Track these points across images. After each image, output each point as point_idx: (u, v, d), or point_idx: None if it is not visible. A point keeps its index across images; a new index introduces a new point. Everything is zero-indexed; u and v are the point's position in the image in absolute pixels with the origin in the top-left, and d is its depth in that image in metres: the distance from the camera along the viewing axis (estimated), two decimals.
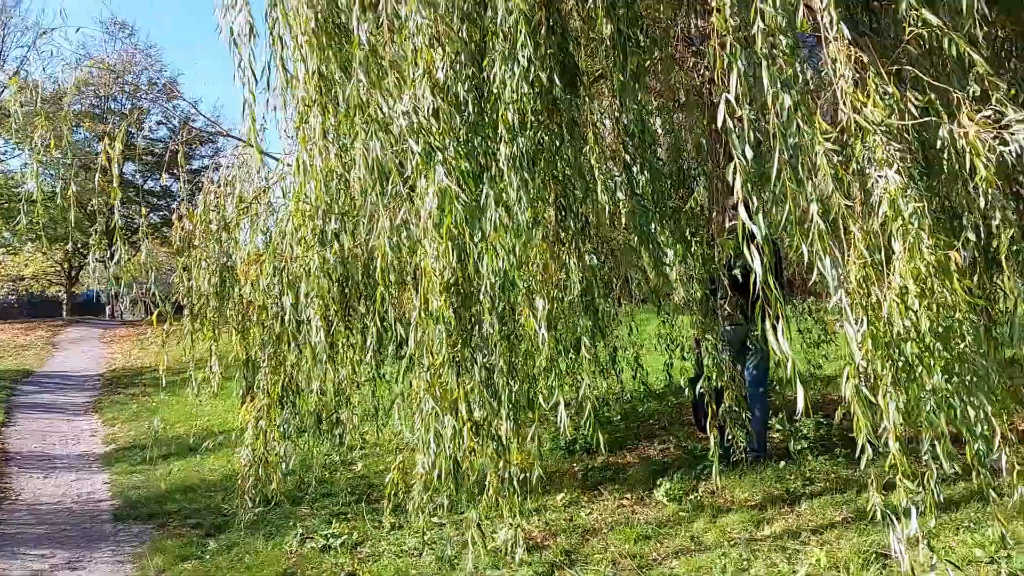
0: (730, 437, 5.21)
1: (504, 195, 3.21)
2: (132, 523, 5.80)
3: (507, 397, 3.45)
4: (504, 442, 3.47)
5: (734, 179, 2.48)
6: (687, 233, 4.78)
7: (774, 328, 2.61)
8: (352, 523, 5.37)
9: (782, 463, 5.57)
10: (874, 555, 4.11)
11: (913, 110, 2.93)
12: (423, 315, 3.28)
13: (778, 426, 6.35)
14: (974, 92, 2.90)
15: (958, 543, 4.13)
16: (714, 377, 4.84)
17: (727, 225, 5.34)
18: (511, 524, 3.72)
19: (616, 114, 4.60)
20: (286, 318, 4.80)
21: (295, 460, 5.43)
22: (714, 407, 4.62)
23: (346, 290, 4.81)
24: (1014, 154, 2.42)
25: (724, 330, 5.04)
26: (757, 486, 5.26)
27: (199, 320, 6.07)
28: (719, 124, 2.51)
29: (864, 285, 2.53)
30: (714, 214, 5.39)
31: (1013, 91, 2.84)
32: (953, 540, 4.19)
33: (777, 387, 6.89)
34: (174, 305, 6.25)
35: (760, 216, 2.46)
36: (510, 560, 4.39)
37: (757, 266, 2.50)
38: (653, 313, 7.25)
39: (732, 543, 4.48)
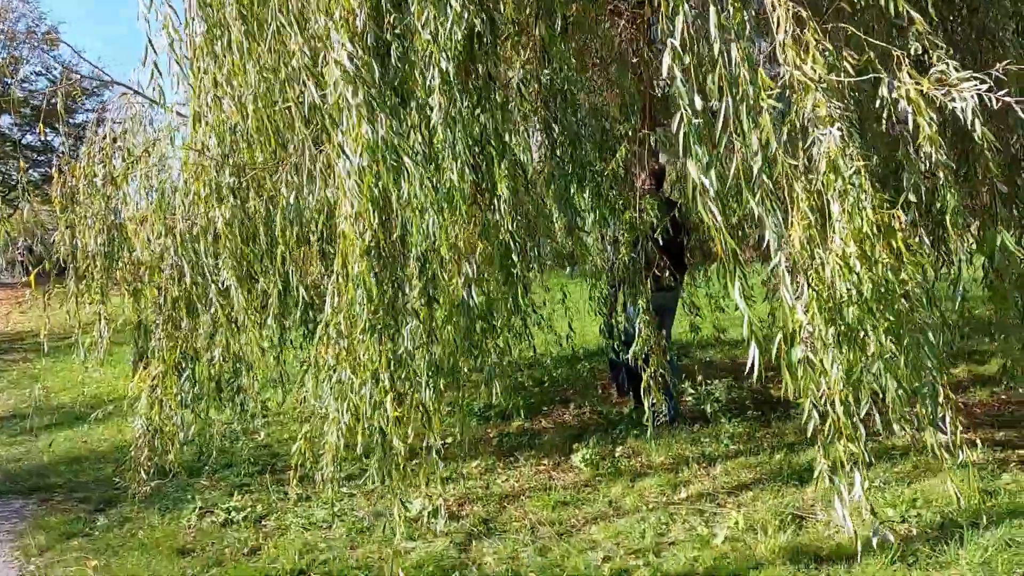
0: (653, 401, 5.18)
1: (431, 152, 3.00)
2: (11, 498, 5.36)
3: (426, 364, 3.26)
4: (428, 410, 3.29)
5: (678, 131, 2.34)
6: (609, 197, 4.66)
7: (742, 283, 2.50)
8: (255, 495, 5.10)
9: (696, 426, 5.59)
10: (790, 516, 4.15)
11: (849, 68, 2.85)
12: (341, 280, 3.04)
13: (691, 389, 6.38)
14: (916, 50, 2.84)
15: (852, 511, 4.18)
16: (640, 342, 4.77)
17: (647, 188, 5.24)
18: (431, 494, 3.55)
19: (537, 71, 4.40)
20: (183, 280, 4.45)
21: (194, 429, 5.11)
22: (649, 371, 4.55)
23: (249, 251, 4.48)
24: (962, 111, 2.36)
25: (651, 294, 4.97)
26: (672, 449, 5.25)
27: (85, 282, 5.61)
28: (664, 73, 2.36)
29: (807, 247, 2.45)
30: (638, 179, 5.29)
31: (950, 51, 2.78)
32: (848, 507, 4.25)
33: (687, 351, 6.93)
34: (55, 265, 5.75)
35: (712, 172, 2.33)
36: (427, 531, 4.23)
37: (717, 221, 2.37)
38: (568, 278, 7.17)
39: (650, 507, 4.45)
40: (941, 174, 2.62)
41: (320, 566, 4.08)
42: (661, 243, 5.11)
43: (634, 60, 5.31)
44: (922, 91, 2.48)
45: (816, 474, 2.90)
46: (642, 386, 4.70)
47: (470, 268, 3.15)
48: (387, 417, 3.10)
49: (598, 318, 7.15)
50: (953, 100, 2.38)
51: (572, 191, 5.08)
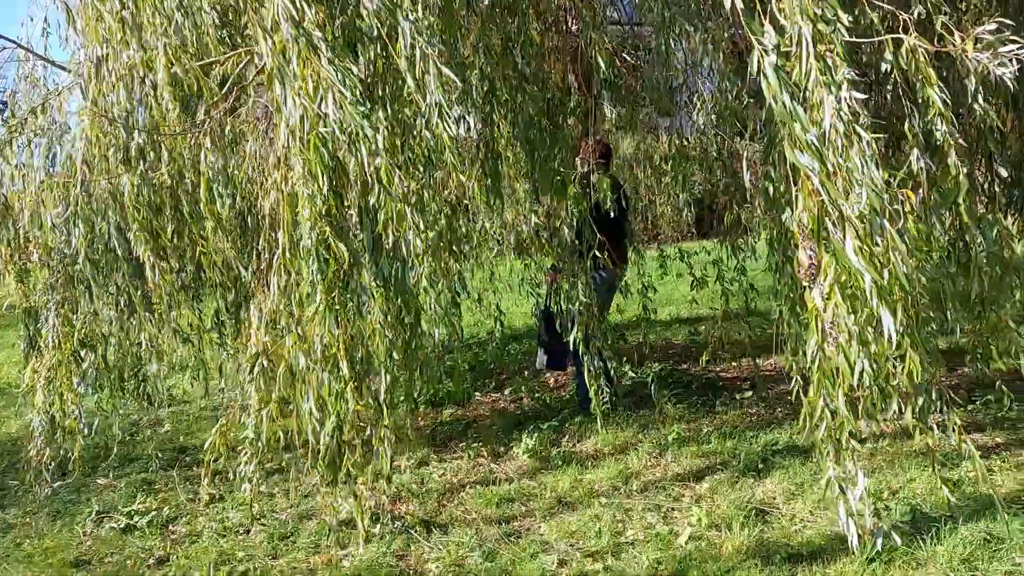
0: (587, 386, 4.87)
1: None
2: None
3: (384, 348, 2.84)
4: (380, 401, 2.89)
5: (758, 73, 1.98)
6: (558, 172, 4.27)
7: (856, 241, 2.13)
8: (162, 495, 4.56)
9: (642, 411, 5.30)
10: (754, 511, 3.89)
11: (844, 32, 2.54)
12: (288, 255, 2.57)
13: (630, 373, 6.11)
14: (920, 14, 2.55)
15: (816, 505, 3.97)
16: (581, 322, 4.45)
17: (596, 162, 4.89)
18: (380, 491, 3.13)
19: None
20: (80, 258, 3.86)
21: (97, 423, 4.53)
22: (591, 354, 4.23)
23: (157, 224, 3.92)
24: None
25: (594, 274, 4.64)
26: (619, 437, 4.95)
27: None
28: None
29: (817, 224, 2.12)
30: (585, 152, 4.93)
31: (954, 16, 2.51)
32: (810, 499, 4.03)
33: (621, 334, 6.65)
34: None
35: (800, 109, 1.96)
36: (360, 535, 3.81)
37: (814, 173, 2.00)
38: (507, 256, 6.78)
39: (602, 502, 4.13)
40: (953, 151, 2.35)
41: None
42: (608, 222, 4.79)
43: (574, 27, 4.93)
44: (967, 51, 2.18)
45: (824, 482, 2.59)
46: (585, 371, 4.40)
47: (420, 240, 2.73)
48: (347, 408, 2.69)
49: (529, 299, 6.82)
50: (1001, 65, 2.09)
51: (510, 163, 4.72)
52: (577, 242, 4.38)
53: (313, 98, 2.36)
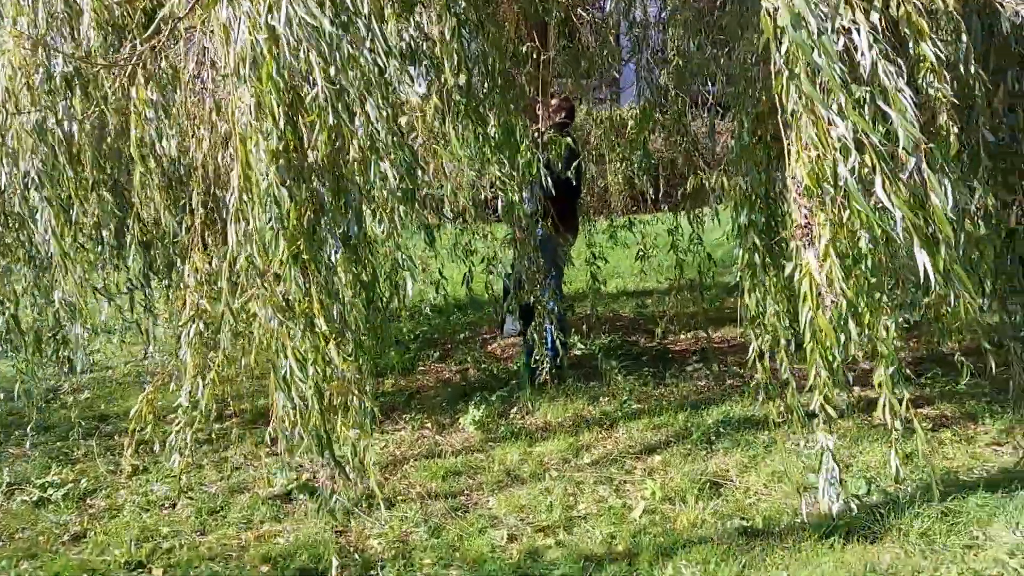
0: (537, 357, 4.71)
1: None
2: None
3: (360, 305, 2.61)
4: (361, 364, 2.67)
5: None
6: (512, 130, 4.03)
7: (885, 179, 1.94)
8: (80, 466, 4.24)
9: (592, 383, 5.14)
10: (708, 484, 3.77)
11: None
12: (244, 200, 2.28)
13: (580, 344, 5.96)
14: None
15: (789, 468, 3.89)
16: (532, 291, 4.28)
17: (558, 120, 4.68)
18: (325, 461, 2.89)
19: None
20: None
21: (19, 388, 4.16)
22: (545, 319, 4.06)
23: (81, 170, 3.56)
24: None
25: (548, 241, 4.47)
26: (568, 409, 4.79)
27: None
28: None
29: (816, 182, 1.96)
30: (543, 108, 4.72)
31: None
32: (781, 465, 3.95)
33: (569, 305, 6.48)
34: None
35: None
36: (297, 507, 3.58)
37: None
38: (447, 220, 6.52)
39: (553, 476, 3.96)
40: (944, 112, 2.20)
41: (163, 556, 3.35)
42: (565, 187, 4.62)
43: None
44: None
45: (818, 449, 2.43)
46: (535, 337, 4.24)
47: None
48: (330, 369, 2.44)
49: (473, 266, 6.58)
50: None
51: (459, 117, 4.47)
52: (536, 207, 4.20)
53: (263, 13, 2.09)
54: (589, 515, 3.58)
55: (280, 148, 2.20)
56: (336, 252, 2.47)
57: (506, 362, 5.79)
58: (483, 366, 5.69)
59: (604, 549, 3.30)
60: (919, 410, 4.52)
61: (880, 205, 1.89)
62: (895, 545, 3.19)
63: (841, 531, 3.26)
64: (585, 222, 6.71)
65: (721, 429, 4.39)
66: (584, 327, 6.16)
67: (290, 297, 2.38)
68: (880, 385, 2.31)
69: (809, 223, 2.00)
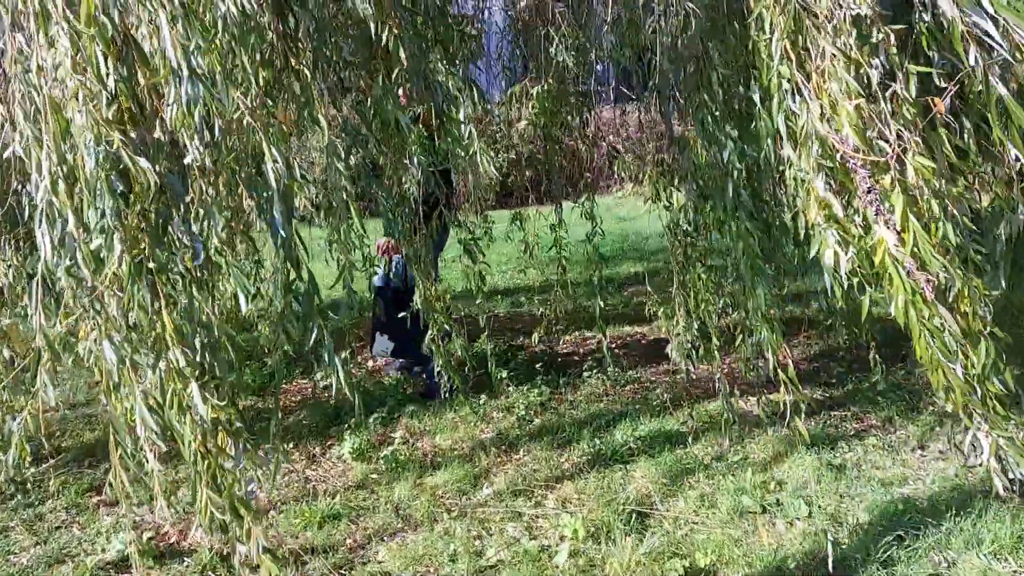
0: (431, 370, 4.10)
1: None
2: None
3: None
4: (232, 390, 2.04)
5: None
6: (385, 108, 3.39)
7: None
8: None
9: (481, 396, 4.56)
10: (632, 514, 3.29)
11: None
12: (62, 186, 1.55)
13: (460, 350, 5.35)
14: None
15: (718, 490, 3.48)
16: (419, 296, 3.67)
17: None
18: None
19: None
20: None
21: None
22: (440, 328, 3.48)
23: None
24: None
25: (431, 240, 3.88)
26: (459, 429, 4.21)
27: None
28: None
29: (864, 139, 1.47)
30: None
31: None
32: (708, 486, 3.53)
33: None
34: None
35: None
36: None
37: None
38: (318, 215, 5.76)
39: (452, 514, 3.37)
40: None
41: None
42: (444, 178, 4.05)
43: None
44: None
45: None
46: (435, 353, 3.65)
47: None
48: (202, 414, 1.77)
49: (337, 264, 5.84)
50: None
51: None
52: (422, 202, 3.60)
53: None
54: (502, 564, 3.01)
55: (109, 117, 1.50)
56: (198, 259, 1.80)
57: (379, 375, 5.12)
58: (355, 383, 4.97)
59: None
60: (833, 412, 4.26)
61: None
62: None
63: (793, 559, 2.86)
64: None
65: (632, 445, 3.93)
66: (464, 332, 5.57)
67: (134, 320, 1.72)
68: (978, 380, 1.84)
69: (872, 188, 1.51)
